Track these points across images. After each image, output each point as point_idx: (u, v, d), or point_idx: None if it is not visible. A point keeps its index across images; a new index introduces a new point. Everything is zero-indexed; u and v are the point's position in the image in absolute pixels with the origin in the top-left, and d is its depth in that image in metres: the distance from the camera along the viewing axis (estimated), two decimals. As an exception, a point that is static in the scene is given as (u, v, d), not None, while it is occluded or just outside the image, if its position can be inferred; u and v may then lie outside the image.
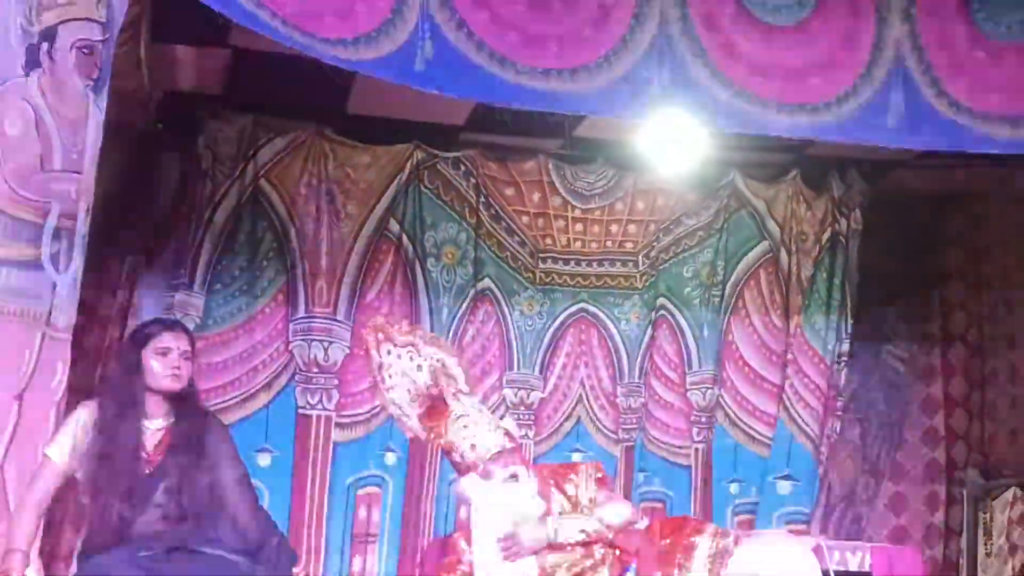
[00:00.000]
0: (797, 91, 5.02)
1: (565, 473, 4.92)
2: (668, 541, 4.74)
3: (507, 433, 4.82)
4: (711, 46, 4.92)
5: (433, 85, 4.72)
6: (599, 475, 4.92)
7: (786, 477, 7.04)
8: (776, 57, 5.02)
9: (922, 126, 5.12)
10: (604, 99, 4.90)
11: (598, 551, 4.69)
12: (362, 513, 6.58)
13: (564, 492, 4.81)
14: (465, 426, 4.80)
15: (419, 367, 4.99)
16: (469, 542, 4.77)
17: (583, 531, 4.69)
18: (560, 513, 4.73)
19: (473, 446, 4.76)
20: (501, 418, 5.07)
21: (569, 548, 4.67)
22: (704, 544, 4.66)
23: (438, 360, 4.99)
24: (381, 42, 4.58)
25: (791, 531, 6.68)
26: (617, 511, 4.84)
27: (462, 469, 4.84)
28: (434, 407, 4.92)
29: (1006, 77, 5.22)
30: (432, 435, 4.94)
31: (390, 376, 5.01)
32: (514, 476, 4.67)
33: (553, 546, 4.65)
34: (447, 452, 4.95)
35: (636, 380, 7.00)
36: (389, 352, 5.01)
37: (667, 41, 4.88)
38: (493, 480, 4.70)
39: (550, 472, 4.94)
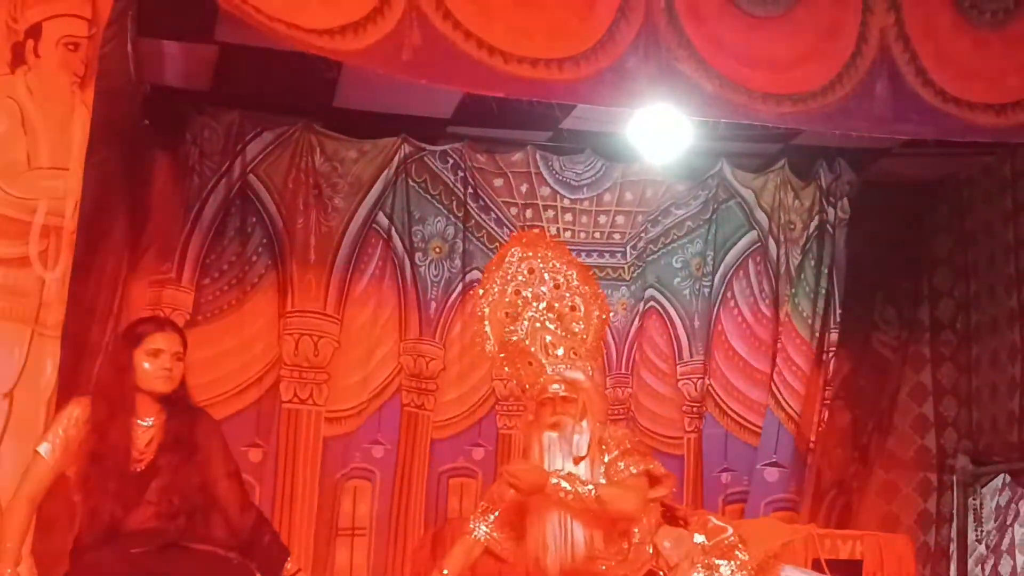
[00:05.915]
0: (783, 81, 5.04)
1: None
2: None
3: (567, 382, 4.61)
4: (697, 37, 4.93)
5: (420, 74, 4.72)
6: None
7: (774, 464, 7.05)
8: (761, 48, 5.04)
9: (908, 115, 5.14)
10: (591, 89, 4.91)
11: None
12: (349, 506, 6.57)
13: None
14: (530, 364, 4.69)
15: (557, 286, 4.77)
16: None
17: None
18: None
19: (527, 387, 4.70)
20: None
21: None
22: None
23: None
24: (368, 31, 4.58)
25: (779, 518, 6.69)
26: (623, 499, 4.45)
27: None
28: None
29: (991, 65, 5.24)
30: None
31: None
32: (555, 424, 4.54)
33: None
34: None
35: (624, 371, 7.02)
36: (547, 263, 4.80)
37: (653, 32, 4.89)
38: (542, 423, 4.58)
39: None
